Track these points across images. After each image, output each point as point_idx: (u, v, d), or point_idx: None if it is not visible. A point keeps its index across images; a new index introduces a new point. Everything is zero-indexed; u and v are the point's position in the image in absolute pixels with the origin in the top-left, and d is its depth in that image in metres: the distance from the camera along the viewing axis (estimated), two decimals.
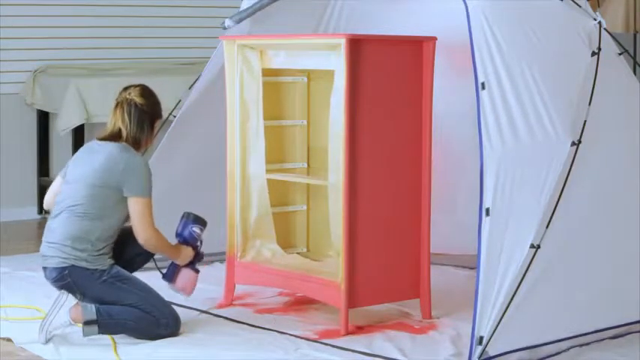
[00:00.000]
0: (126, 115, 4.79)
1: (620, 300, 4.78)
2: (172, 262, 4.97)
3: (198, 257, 5.02)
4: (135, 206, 4.71)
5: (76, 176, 4.77)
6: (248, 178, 5.39)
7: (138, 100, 4.80)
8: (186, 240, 4.99)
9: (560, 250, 4.51)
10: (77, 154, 4.89)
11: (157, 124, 4.91)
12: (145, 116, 4.82)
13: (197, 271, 5.03)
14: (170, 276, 4.98)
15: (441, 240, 5.69)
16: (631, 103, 5.05)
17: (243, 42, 5.36)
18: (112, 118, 4.83)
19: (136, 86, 4.88)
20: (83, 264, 4.68)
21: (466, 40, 4.54)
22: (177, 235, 5.00)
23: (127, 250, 4.89)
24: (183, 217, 5.03)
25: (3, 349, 4.68)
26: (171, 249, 4.89)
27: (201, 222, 5.02)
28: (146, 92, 4.87)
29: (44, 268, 4.78)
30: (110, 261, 4.75)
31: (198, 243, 5.02)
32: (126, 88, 4.87)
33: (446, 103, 5.78)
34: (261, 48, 5.33)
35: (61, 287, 4.74)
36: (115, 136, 4.79)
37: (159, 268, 5.08)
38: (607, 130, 4.81)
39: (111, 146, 4.76)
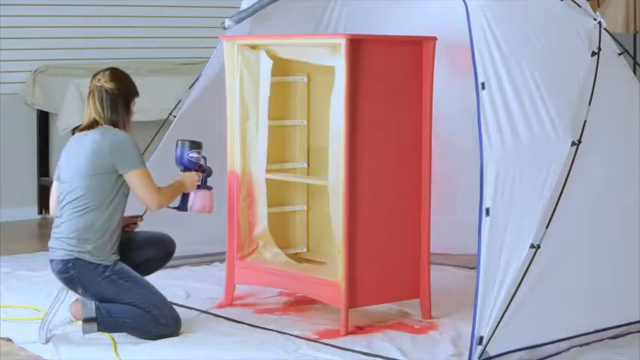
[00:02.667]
0: (97, 103, 4.79)
1: (620, 300, 4.78)
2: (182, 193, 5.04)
3: (205, 175, 5.07)
4: (134, 179, 4.74)
5: (69, 172, 4.78)
6: (248, 178, 5.39)
7: (108, 85, 4.80)
8: (187, 167, 5.02)
9: (560, 250, 4.51)
10: (64, 152, 4.90)
11: (133, 102, 4.89)
12: (118, 99, 4.81)
13: (210, 188, 5.08)
14: (183, 205, 5.04)
15: (441, 240, 5.69)
16: (631, 103, 5.05)
17: (243, 42, 5.36)
18: (86, 108, 4.85)
19: (105, 71, 4.86)
20: (87, 257, 4.69)
21: (466, 40, 4.54)
22: (177, 163, 5.04)
23: (135, 256, 4.90)
24: (177, 145, 5.04)
25: (3, 349, 4.68)
26: (178, 190, 4.96)
27: (196, 145, 5.04)
28: (115, 75, 4.85)
29: (50, 261, 4.80)
30: (115, 257, 4.76)
31: (201, 162, 5.05)
32: (95, 75, 4.87)
33: (446, 103, 5.78)
34: (266, 48, 5.34)
35: (64, 280, 4.75)
36: (92, 125, 4.80)
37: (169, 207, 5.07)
38: (607, 130, 4.81)
39: (92, 133, 4.77)
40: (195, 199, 5.05)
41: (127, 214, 4.98)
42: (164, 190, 4.84)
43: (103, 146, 4.70)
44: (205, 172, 5.08)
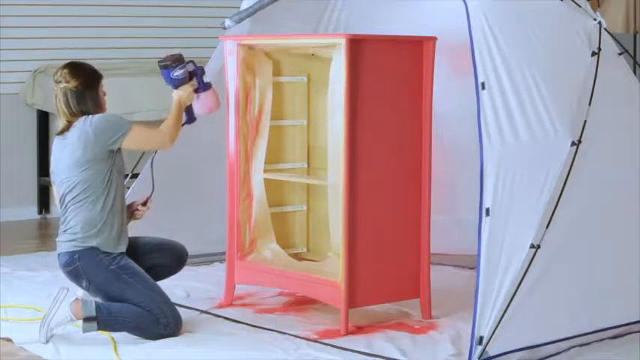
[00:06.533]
0: (64, 105, 4.79)
1: (620, 300, 4.78)
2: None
3: (199, 77, 5.00)
4: (132, 143, 4.76)
5: (64, 174, 4.80)
6: (248, 177, 5.39)
7: (71, 85, 4.79)
8: (177, 85, 4.96)
9: (560, 250, 4.51)
10: (52, 157, 4.91)
11: (101, 86, 4.87)
12: (84, 92, 4.80)
13: (209, 86, 5.03)
14: (190, 117, 5.01)
15: (441, 240, 5.69)
16: (631, 103, 5.05)
17: (243, 42, 5.36)
18: (57, 111, 4.85)
19: (62, 69, 4.84)
20: (93, 242, 4.71)
21: (466, 40, 4.54)
22: (168, 84, 4.99)
23: (145, 259, 4.92)
24: (160, 69, 4.97)
25: (3, 349, 4.68)
26: (179, 112, 4.92)
27: (177, 60, 4.96)
28: (75, 71, 4.83)
29: (58, 256, 4.83)
30: (121, 249, 4.78)
31: (190, 70, 4.97)
32: (54, 75, 4.84)
33: (446, 103, 5.78)
34: (265, 49, 5.34)
35: (69, 273, 4.77)
36: (69, 124, 4.80)
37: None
38: (607, 130, 4.81)
39: (71, 132, 4.77)
40: (200, 104, 5.02)
41: (133, 199, 5.00)
42: (166, 123, 4.85)
43: (87, 137, 4.71)
44: (198, 74, 5.01)
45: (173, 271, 5.07)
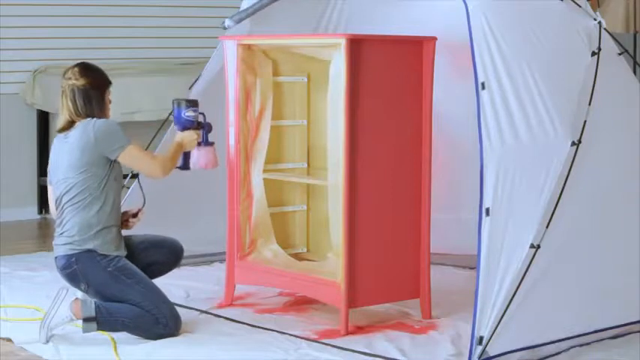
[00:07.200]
0: (70, 102, 4.80)
1: (620, 300, 4.78)
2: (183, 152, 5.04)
3: (205, 131, 5.06)
4: (127, 158, 4.76)
5: (61, 174, 4.81)
6: (248, 178, 5.39)
7: (79, 83, 4.81)
8: (185, 126, 5.01)
9: (560, 250, 4.51)
10: (51, 156, 4.92)
11: (108, 92, 4.89)
12: (90, 93, 4.81)
13: (212, 144, 5.08)
14: (185, 164, 5.05)
15: (441, 240, 5.69)
16: (631, 103, 5.05)
17: (243, 42, 5.37)
18: (60, 108, 4.86)
19: (73, 68, 4.87)
20: (90, 245, 4.72)
21: (466, 40, 4.54)
22: (175, 124, 5.04)
23: (142, 257, 4.93)
24: (173, 105, 5.04)
25: (3, 349, 4.68)
26: (178, 150, 4.95)
27: (191, 104, 5.03)
28: (85, 71, 4.86)
29: (55, 259, 4.82)
30: (119, 252, 4.78)
31: (199, 120, 5.04)
32: (65, 73, 4.87)
33: (446, 103, 5.77)
34: (265, 49, 5.34)
35: (67, 276, 4.77)
36: (70, 123, 4.82)
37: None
38: (607, 130, 4.81)
39: (73, 132, 4.78)
40: (199, 156, 5.05)
41: (126, 209, 5.00)
42: (164, 155, 4.87)
43: (88, 140, 4.72)
44: (205, 128, 5.06)
45: (170, 268, 5.08)
